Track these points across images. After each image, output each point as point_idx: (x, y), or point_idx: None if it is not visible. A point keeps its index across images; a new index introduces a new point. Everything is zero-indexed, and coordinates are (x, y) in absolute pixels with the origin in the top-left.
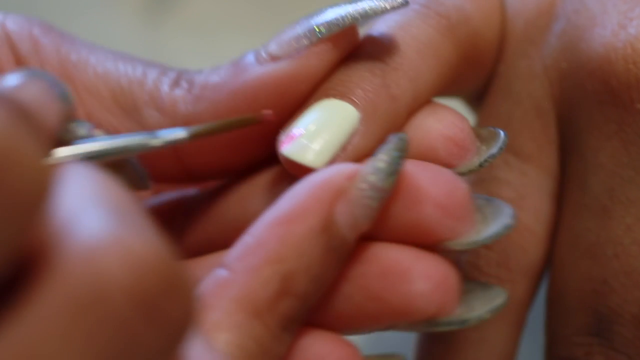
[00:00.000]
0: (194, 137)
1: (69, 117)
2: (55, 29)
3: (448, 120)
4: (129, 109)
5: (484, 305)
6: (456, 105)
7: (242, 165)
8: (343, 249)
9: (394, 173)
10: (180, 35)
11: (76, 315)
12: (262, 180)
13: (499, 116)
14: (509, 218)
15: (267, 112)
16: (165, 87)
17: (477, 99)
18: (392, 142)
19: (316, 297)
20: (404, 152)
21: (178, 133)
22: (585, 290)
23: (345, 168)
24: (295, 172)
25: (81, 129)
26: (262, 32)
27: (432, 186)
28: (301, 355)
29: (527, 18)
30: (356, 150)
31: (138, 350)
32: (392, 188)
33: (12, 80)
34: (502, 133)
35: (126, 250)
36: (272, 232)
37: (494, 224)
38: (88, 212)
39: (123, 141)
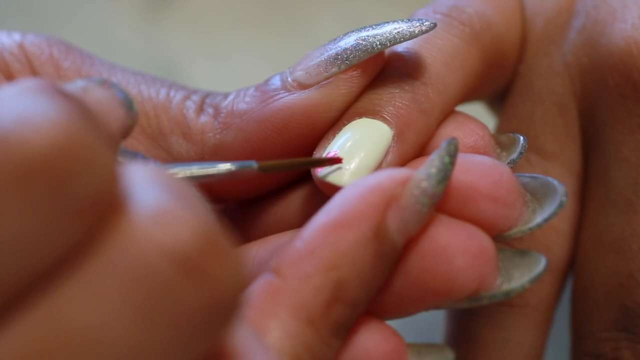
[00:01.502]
0: (262, 170)
1: (132, 127)
2: (74, 48)
3: (468, 128)
4: (155, 136)
5: (523, 274)
6: (477, 108)
7: (271, 190)
8: (393, 254)
9: (446, 179)
10: (180, 32)
11: (118, 278)
12: (295, 199)
13: (521, 116)
14: (561, 195)
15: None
16: (190, 113)
17: (498, 100)
18: (444, 147)
19: (367, 303)
20: (455, 157)
21: (248, 166)
22: (611, 285)
23: (397, 173)
24: (332, 193)
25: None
26: (261, 28)
27: (480, 180)
28: (348, 349)
29: (546, 17)
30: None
31: (182, 311)
32: (443, 193)
33: (79, 84)
34: (521, 138)
35: (170, 217)
36: (323, 238)
37: (547, 203)
38: (143, 189)
39: (205, 168)
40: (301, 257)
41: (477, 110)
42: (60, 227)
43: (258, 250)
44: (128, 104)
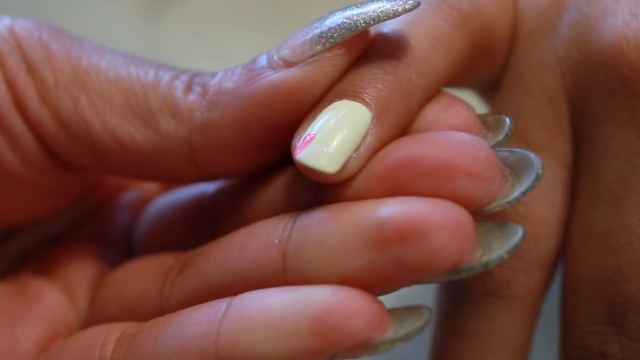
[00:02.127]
0: None
1: None
2: (63, 32)
3: (454, 109)
4: (143, 115)
5: (502, 245)
6: (469, 97)
7: (258, 167)
8: None
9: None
10: (180, 32)
11: None
12: (281, 180)
13: (511, 108)
14: (538, 168)
15: None
16: (179, 92)
17: (490, 90)
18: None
19: None
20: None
21: None
22: (599, 279)
23: None
24: (311, 176)
25: None
26: (261, 28)
27: (458, 157)
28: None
29: (538, 9)
30: (369, 150)
31: None
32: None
33: None
34: (507, 120)
35: None
36: None
37: (525, 177)
38: None
39: None
40: None
41: (469, 100)
42: None
43: (244, 238)
44: None
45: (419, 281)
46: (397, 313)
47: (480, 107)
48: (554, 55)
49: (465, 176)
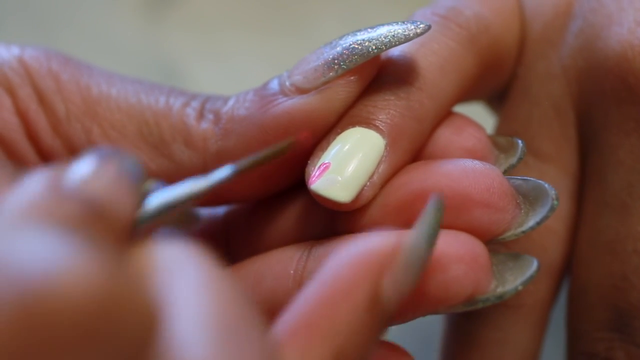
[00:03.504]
0: (237, 175)
1: (145, 193)
2: (71, 60)
3: (466, 132)
4: (156, 144)
5: (516, 277)
6: (477, 108)
7: (272, 192)
8: (388, 314)
9: (435, 241)
10: (181, 33)
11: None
12: (293, 210)
13: (518, 118)
14: (553, 199)
15: (303, 136)
16: (191, 120)
17: (497, 100)
18: (431, 212)
19: None
20: (442, 218)
21: (223, 173)
22: (606, 286)
23: (387, 239)
24: (326, 205)
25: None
26: (261, 28)
27: (472, 187)
28: None
29: (544, 19)
30: (383, 178)
31: None
32: (433, 252)
33: (83, 169)
34: (520, 143)
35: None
36: (319, 310)
37: (539, 206)
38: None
39: (182, 193)
40: (299, 329)
41: (477, 110)
42: None
43: (259, 266)
44: (137, 175)
45: (434, 312)
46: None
47: (487, 116)
48: (560, 65)
49: (480, 207)
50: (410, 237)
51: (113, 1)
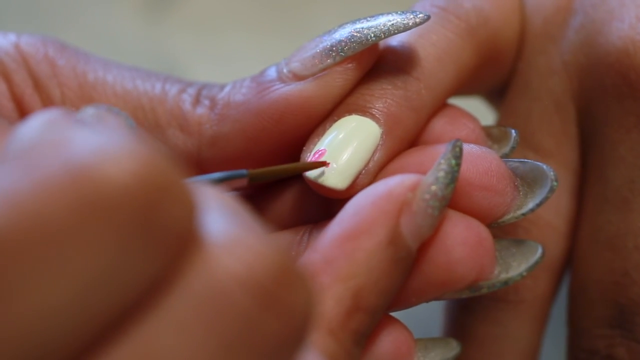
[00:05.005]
0: (253, 180)
1: None
2: (69, 47)
3: (459, 122)
4: (151, 129)
5: (521, 263)
6: (476, 103)
7: (255, 158)
8: (408, 259)
9: (454, 180)
10: (182, 33)
11: (199, 310)
12: (289, 196)
13: (519, 113)
14: (552, 180)
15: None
16: (187, 105)
17: (497, 96)
18: (449, 150)
19: (384, 310)
20: (461, 159)
21: (239, 176)
22: (607, 282)
23: (407, 179)
24: (321, 192)
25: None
26: (262, 28)
27: (470, 171)
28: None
29: (545, 15)
30: (378, 166)
31: (260, 339)
32: (452, 194)
33: (89, 111)
34: (512, 132)
35: (244, 247)
36: (339, 248)
37: (538, 188)
38: (213, 218)
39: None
40: (318, 269)
41: (477, 106)
42: (147, 260)
43: None
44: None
45: (439, 296)
46: (423, 343)
47: (487, 112)
48: (560, 60)
49: (479, 190)
50: (429, 177)
51: (113, 1)
